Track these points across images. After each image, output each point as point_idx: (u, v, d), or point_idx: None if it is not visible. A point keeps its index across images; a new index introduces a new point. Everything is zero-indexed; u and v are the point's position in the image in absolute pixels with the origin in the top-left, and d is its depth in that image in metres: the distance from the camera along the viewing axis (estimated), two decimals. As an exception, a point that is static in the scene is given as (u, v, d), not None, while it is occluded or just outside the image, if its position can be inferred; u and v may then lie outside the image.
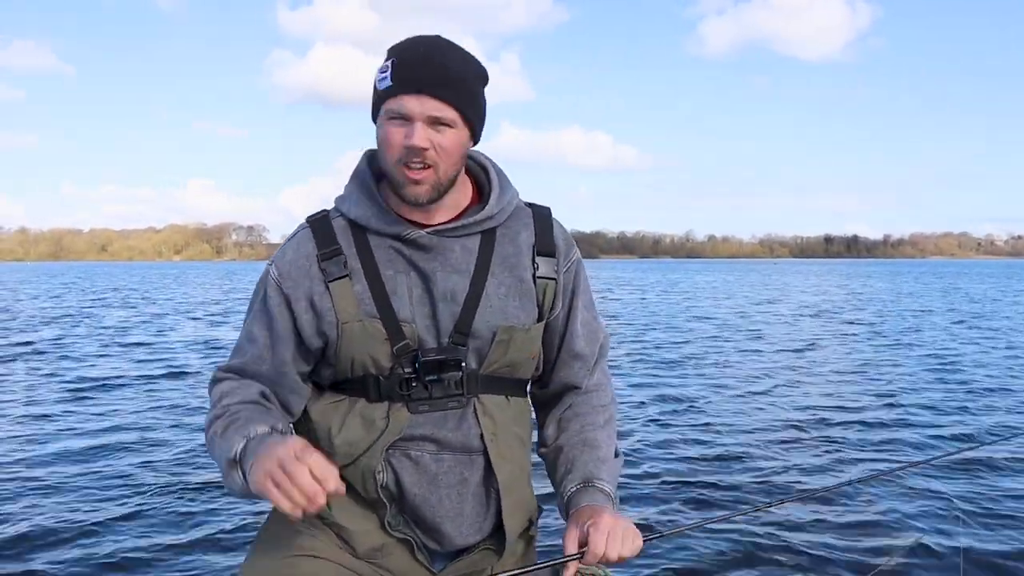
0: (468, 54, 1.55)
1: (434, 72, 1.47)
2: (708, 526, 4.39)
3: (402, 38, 1.54)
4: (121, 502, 5.08)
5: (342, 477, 1.48)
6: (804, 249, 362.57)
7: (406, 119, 1.48)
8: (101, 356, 12.85)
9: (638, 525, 1.52)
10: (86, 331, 17.38)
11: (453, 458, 1.59)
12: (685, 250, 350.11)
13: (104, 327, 18.38)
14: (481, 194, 1.67)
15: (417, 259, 1.57)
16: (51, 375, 10.72)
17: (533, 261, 1.64)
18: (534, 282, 1.64)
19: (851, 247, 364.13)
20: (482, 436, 1.60)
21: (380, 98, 1.50)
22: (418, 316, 1.57)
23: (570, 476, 1.63)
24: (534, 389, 1.76)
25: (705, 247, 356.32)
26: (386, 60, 1.50)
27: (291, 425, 1.64)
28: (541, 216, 1.69)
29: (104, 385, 9.82)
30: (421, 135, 1.47)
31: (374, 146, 1.58)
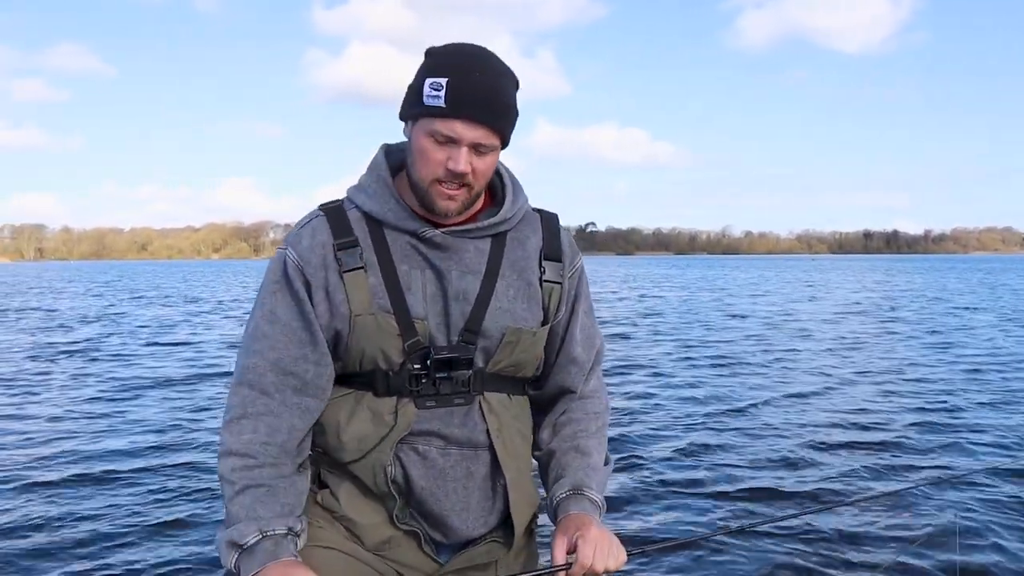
0: (510, 71, 1.57)
1: (488, 102, 1.49)
2: (702, 541, 4.28)
3: (447, 44, 1.56)
4: (138, 498, 5.05)
5: (351, 471, 1.62)
6: (842, 245, 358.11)
7: (451, 141, 1.50)
8: (141, 355, 12.91)
9: (621, 538, 1.59)
10: (127, 329, 17.57)
11: (460, 453, 1.62)
12: (721, 246, 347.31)
13: (144, 325, 18.55)
14: (493, 197, 1.70)
15: (432, 257, 1.60)
16: (94, 374, 10.78)
17: (540, 265, 1.68)
18: (540, 286, 1.68)
19: (891, 243, 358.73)
20: (488, 432, 1.63)
21: (425, 113, 1.50)
22: (431, 313, 1.59)
23: (560, 482, 1.67)
24: (530, 390, 1.78)
25: (742, 243, 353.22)
26: (435, 73, 1.50)
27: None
28: (549, 222, 1.73)
29: (154, 384, 9.82)
30: (465, 160, 1.50)
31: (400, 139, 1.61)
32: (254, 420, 1.56)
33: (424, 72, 1.52)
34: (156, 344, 14.49)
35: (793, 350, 12.81)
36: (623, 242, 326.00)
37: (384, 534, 1.65)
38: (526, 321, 1.65)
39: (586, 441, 1.72)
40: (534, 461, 1.78)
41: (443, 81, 1.48)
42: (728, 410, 7.90)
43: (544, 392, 1.78)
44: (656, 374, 10.36)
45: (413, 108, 1.54)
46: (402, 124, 1.61)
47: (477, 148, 1.52)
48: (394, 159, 1.66)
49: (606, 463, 1.75)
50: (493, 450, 1.65)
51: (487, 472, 1.65)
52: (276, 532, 1.50)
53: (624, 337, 15.01)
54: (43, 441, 6.81)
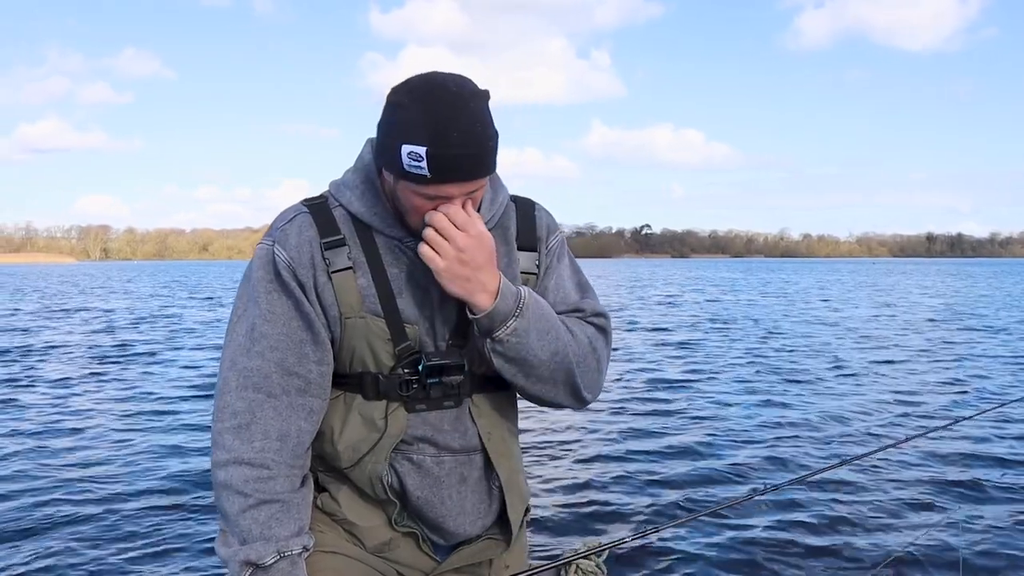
0: (488, 110, 1.48)
1: (473, 161, 1.44)
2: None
3: (411, 87, 1.45)
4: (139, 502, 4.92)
5: (347, 478, 1.63)
6: (904, 248, 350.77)
7: (443, 198, 1.47)
8: (197, 358, 12.88)
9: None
10: (183, 328, 17.71)
11: (454, 459, 1.61)
12: (779, 249, 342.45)
13: (200, 324, 18.68)
14: None
15: (419, 262, 1.54)
16: (161, 373, 10.78)
17: (516, 257, 1.66)
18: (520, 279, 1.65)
19: (955, 246, 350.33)
20: (479, 435, 1.63)
21: (409, 178, 1.44)
22: (420, 318, 1.57)
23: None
24: None
25: (800, 246, 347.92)
26: (411, 140, 1.41)
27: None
28: (524, 210, 1.70)
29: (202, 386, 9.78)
30: (459, 212, 1.48)
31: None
32: (264, 425, 1.52)
33: (397, 135, 1.44)
34: (209, 347, 14.44)
35: (878, 362, 11.89)
36: (679, 244, 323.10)
37: (384, 536, 1.65)
38: None
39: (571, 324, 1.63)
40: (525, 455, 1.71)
41: (422, 152, 1.41)
42: (798, 423, 7.44)
43: None
44: (739, 381, 9.92)
45: (393, 169, 1.47)
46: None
47: (469, 194, 1.49)
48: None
49: (567, 346, 1.59)
50: (485, 452, 1.64)
51: (480, 475, 1.65)
52: (293, 552, 1.50)
53: (692, 345, 14.55)
54: (91, 443, 6.67)
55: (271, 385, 1.53)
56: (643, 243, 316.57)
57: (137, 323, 19.59)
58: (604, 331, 1.70)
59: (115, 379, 10.52)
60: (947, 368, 11.21)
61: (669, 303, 26.59)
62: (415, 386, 1.57)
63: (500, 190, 1.67)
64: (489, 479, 1.66)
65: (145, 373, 10.99)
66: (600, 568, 1.75)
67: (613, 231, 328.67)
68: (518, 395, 1.73)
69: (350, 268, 1.55)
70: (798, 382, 9.93)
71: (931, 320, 19.31)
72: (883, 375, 10.54)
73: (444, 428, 1.60)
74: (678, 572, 4.02)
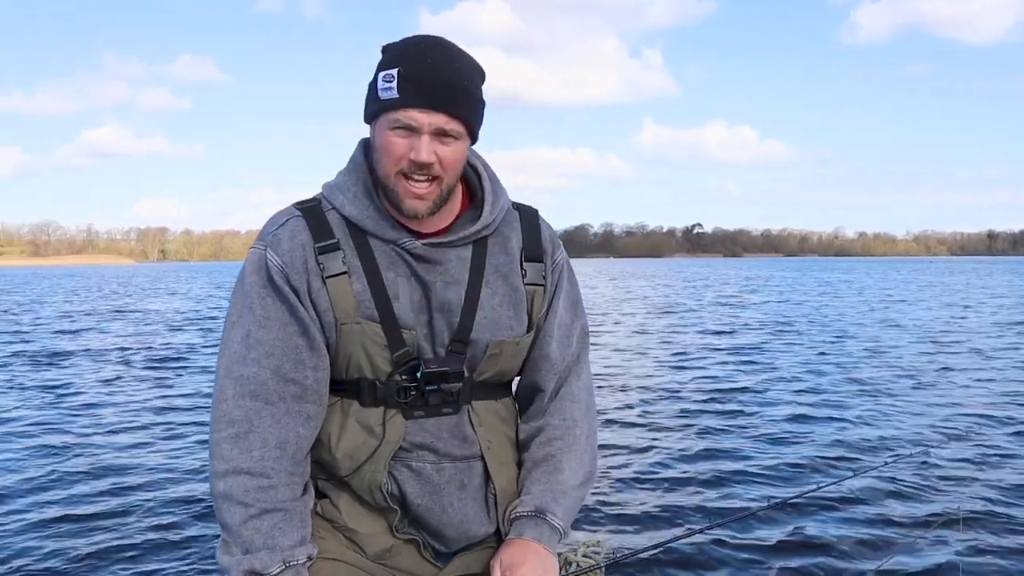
0: (471, 58, 1.52)
1: (443, 86, 1.45)
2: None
3: (403, 38, 1.51)
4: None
5: (347, 485, 1.61)
6: (964, 246, 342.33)
7: (411, 131, 1.46)
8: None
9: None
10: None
11: (454, 467, 1.60)
12: (833, 248, 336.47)
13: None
14: (472, 196, 1.65)
15: (417, 267, 1.54)
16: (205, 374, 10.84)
17: (522, 267, 1.63)
18: (524, 290, 1.63)
19: (1017, 244, 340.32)
20: (479, 443, 1.61)
21: (382, 107, 1.46)
22: (418, 323, 1.55)
23: (524, 499, 1.64)
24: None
25: (855, 245, 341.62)
26: (387, 66, 1.46)
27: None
28: (528, 219, 1.68)
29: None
30: (428, 149, 1.46)
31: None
32: (262, 433, 1.51)
33: (378, 68, 1.48)
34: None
35: (970, 370, 10.94)
36: (730, 243, 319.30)
37: (385, 543, 1.63)
38: (511, 329, 1.61)
39: (561, 456, 1.66)
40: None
41: (394, 72, 1.45)
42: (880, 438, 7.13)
43: (517, 389, 1.74)
44: (812, 390, 9.67)
45: (371, 106, 1.50)
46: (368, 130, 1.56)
47: (440, 136, 1.47)
48: (373, 157, 1.58)
49: (584, 480, 1.69)
50: (484, 460, 1.63)
51: (480, 482, 1.64)
52: (298, 562, 1.50)
53: (753, 349, 14.24)
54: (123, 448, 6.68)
55: (268, 392, 1.51)
56: (694, 242, 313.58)
57: (184, 325, 19.81)
58: (590, 405, 1.75)
59: (163, 379, 10.60)
60: None
61: (728, 304, 26.14)
62: (413, 393, 1.55)
63: (500, 195, 1.64)
64: (489, 487, 1.65)
65: (184, 373, 11.07)
66: (601, 568, 1.73)
67: (664, 230, 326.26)
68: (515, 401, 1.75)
69: (345, 273, 1.52)
70: (879, 391, 9.49)
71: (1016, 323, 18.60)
72: (981, 380, 10.08)
73: (443, 435, 1.59)
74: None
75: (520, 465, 1.70)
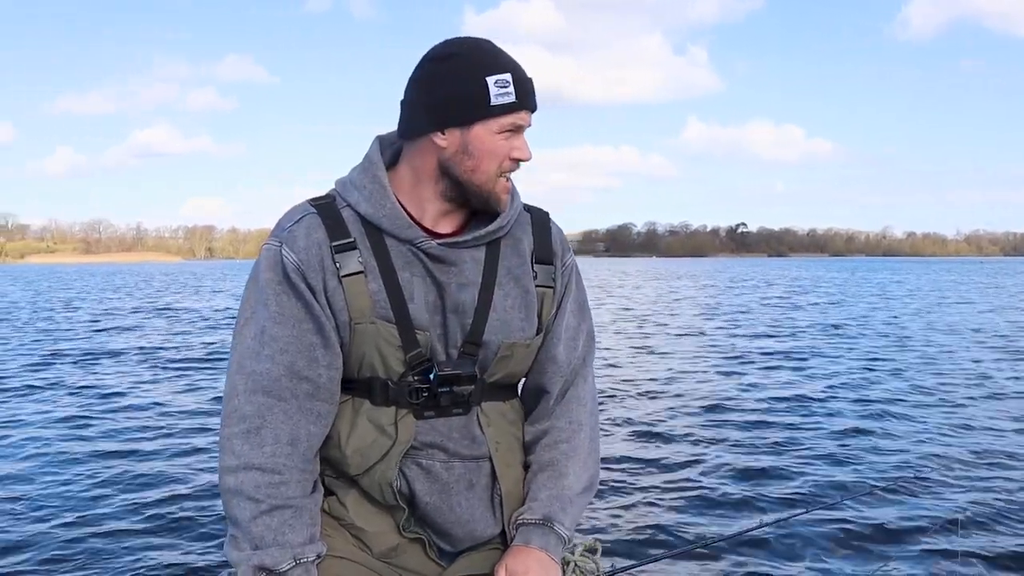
0: None
1: (534, 89, 1.54)
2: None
3: (460, 43, 1.54)
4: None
5: (355, 483, 1.61)
6: (1017, 246, 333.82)
7: (515, 132, 1.52)
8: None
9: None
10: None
11: (463, 466, 1.61)
12: (881, 248, 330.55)
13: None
14: None
15: (432, 268, 1.55)
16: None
17: (533, 269, 1.65)
18: (535, 291, 1.65)
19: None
20: (488, 444, 1.62)
21: (492, 112, 1.49)
22: (432, 324, 1.56)
23: (532, 506, 1.65)
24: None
25: (903, 245, 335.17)
26: (495, 72, 1.49)
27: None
28: (539, 221, 1.70)
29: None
30: (526, 145, 1.55)
31: (452, 145, 1.54)
32: (274, 429, 1.51)
33: (478, 72, 1.49)
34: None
35: None
36: (775, 243, 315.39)
37: (391, 542, 1.64)
38: (522, 331, 1.62)
39: (566, 460, 1.68)
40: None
41: (508, 78, 1.50)
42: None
43: (522, 391, 1.75)
44: (891, 399, 9.23)
45: (473, 112, 1.50)
46: (428, 134, 1.54)
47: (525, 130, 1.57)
48: (388, 154, 1.62)
49: (588, 485, 1.72)
50: (492, 460, 1.64)
51: (488, 482, 1.65)
52: (308, 559, 1.51)
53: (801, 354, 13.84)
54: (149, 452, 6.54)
55: (280, 389, 1.51)
56: (739, 242, 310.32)
57: (223, 324, 19.94)
58: (594, 409, 1.76)
59: (198, 379, 10.56)
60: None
61: (780, 306, 25.64)
62: (425, 394, 1.56)
63: (515, 196, 1.65)
64: (495, 488, 1.66)
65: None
66: (598, 568, 1.74)
67: (708, 229, 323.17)
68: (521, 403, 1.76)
69: (361, 272, 1.52)
70: (944, 401, 9.13)
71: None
72: None
73: (453, 435, 1.60)
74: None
75: (526, 467, 1.72)
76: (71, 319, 21.22)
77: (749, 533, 4.18)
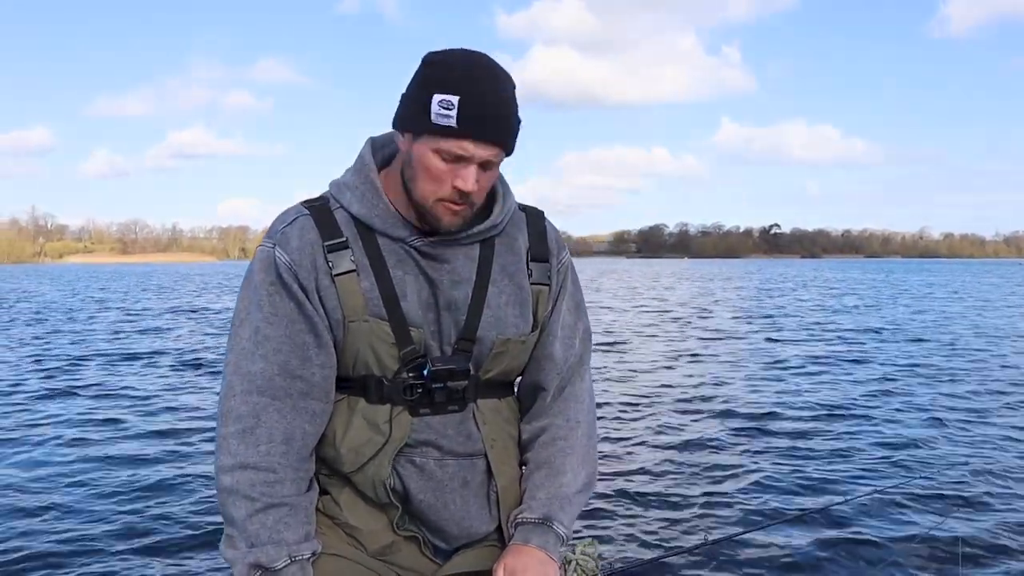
0: (511, 79, 1.52)
1: (499, 120, 1.47)
2: None
3: (448, 52, 1.50)
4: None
5: (349, 480, 1.62)
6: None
7: (461, 160, 1.47)
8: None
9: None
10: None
11: (457, 463, 1.61)
12: (917, 249, 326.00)
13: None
14: None
15: (424, 265, 1.56)
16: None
17: (528, 267, 1.66)
18: (530, 289, 1.65)
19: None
20: (483, 441, 1.63)
21: (433, 130, 1.45)
22: (425, 321, 1.56)
23: (530, 504, 1.65)
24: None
25: (940, 246, 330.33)
26: (444, 90, 1.44)
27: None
28: (534, 220, 1.71)
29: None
30: (473, 179, 1.48)
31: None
32: (269, 429, 1.52)
33: (431, 86, 1.46)
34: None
35: None
36: (809, 244, 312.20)
37: (385, 539, 1.64)
38: (517, 328, 1.63)
39: (563, 459, 1.68)
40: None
41: (454, 99, 1.44)
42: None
43: (519, 389, 1.76)
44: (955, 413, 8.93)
45: (417, 123, 1.48)
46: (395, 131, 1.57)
47: (484, 165, 1.49)
48: (380, 155, 1.63)
49: (586, 483, 1.71)
50: (488, 457, 1.64)
51: (483, 479, 1.65)
52: (303, 556, 1.51)
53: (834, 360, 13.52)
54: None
55: (274, 388, 1.52)
56: (772, 243, 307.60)
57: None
58: (591, 407, 1.77)
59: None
60: None
61: (819, 308, 25.23)
62: (419, 391, 1.56)
63: (509, 195, 1.66)
64: (491, 484, 1.66)
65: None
66: (598, 566, 1.77)
67: (741, 230, 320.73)
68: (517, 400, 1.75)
69: (353, 271, 1.53)
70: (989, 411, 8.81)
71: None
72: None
73: (448, 433, 1.60)
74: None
75: (522, 464, 1.72)
76: (105, 319, 21.38)
77: (750, 533, 4.28)
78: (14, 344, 15.32)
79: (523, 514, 1.65)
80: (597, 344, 14.06)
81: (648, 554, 4.27)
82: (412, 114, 1.48)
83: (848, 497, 4.97)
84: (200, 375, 10.99)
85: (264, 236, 1.59)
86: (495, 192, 1.63)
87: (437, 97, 1.44)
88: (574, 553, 1.77)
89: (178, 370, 11.53)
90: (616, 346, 14.43)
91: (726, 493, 5.45)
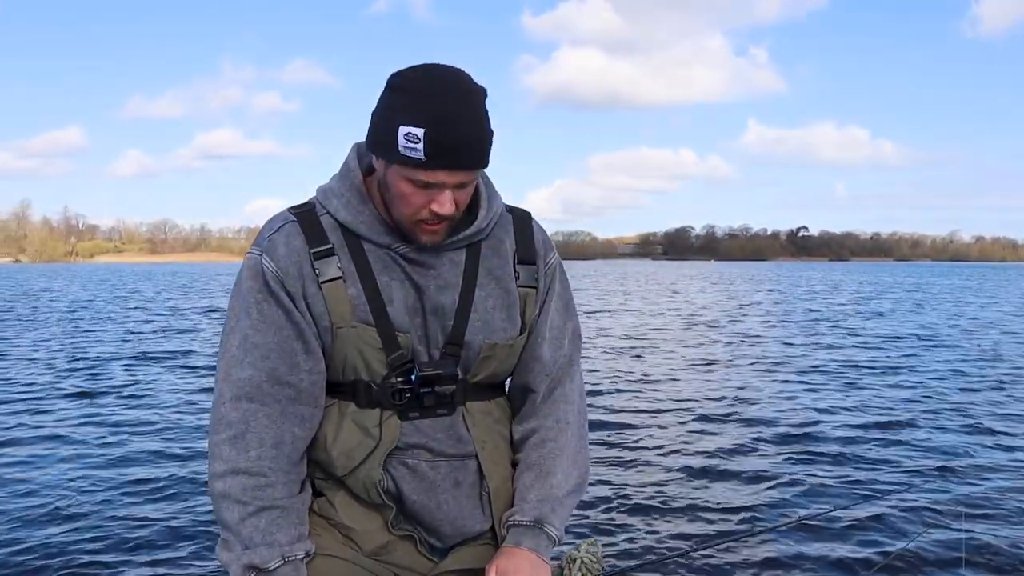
0: (482, 94, 1.50)
1: (469, 148, 1.46)
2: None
3: (413, 73, 1.46)
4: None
5: (344, 484, 1.65)
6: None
7: (434, 187, 1.48)
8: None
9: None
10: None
11: (448, 464, 1.63)
12: (948, 253, 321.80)
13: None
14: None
15: (410, 271, 1.58)
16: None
17: (515, 269, 1.67)
18: (517, 292, 1.67)
19: None
20: (474, 443, 1.65)
21: (402, 162, 1.46)
22: (412, 326, 1.58)
23: (522, 507, 1.67)
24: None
25: (971, 249, 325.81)
26: (409, 122, 1.43)
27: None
28: (521, 222, 1.72)
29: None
30: (450, 203, 1.49)
31: (363, 140, 1.61)
32: (259, 434, 1.54)
33: (395, 116, 1.45)
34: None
35: None
36: (837, 247, 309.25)
37: (381, 539, 1.66)
38: (505, 331, 1.64)
39: (553, 460, 1.70)
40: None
41: (419, 133, 1.42)
42: None
43: (509, 390, 1.77)
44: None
45: (386, 152, 1.48)
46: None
47: (460, 186, 1.50)
48: (366, 161, 1.62)
49: (577, 484, 1.72)
50: (479, 459, 1.66)
51: (474, 480, 1.67)
52: (296, 557, 1.54)
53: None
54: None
55: (263, 395, 1.55)
56: (799, 245, 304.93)
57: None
58: (581, 408, 1.77)
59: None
60: None
61: (857, 314, 24.94)
62: (408, 395, 1.59)
63: (495, 198, 1.66)
64: (483, 484, 1.68)
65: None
66: (602, 567, 1.76)
67: (768, 233, 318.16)
68: (508, 401, 1.76)
69: (340, 278, 1.55)
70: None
71: None
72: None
73: (438, 435, 1.62)
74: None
75: (514, 464, 1.74)
76: (134, 318, 21.57)
77: (756, 536, 4.28)
78: (44, 343, 15.49)
79: (515, 516, 1.67)
80: (622, 347, 13.98)
81: (652, 555, 4.26)
82: (381, 142, 1.49)
83: (851, 503, 4.94)
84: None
85: (252, 244, 1.61)
86: (479, 196, 1.64)
87: (403, 130, 1.43)
88: (579, 551, 1.77)
89: (197, 370, 11.60)
90: (640, 349, 14.34)
91: (739, 496, 5.41)
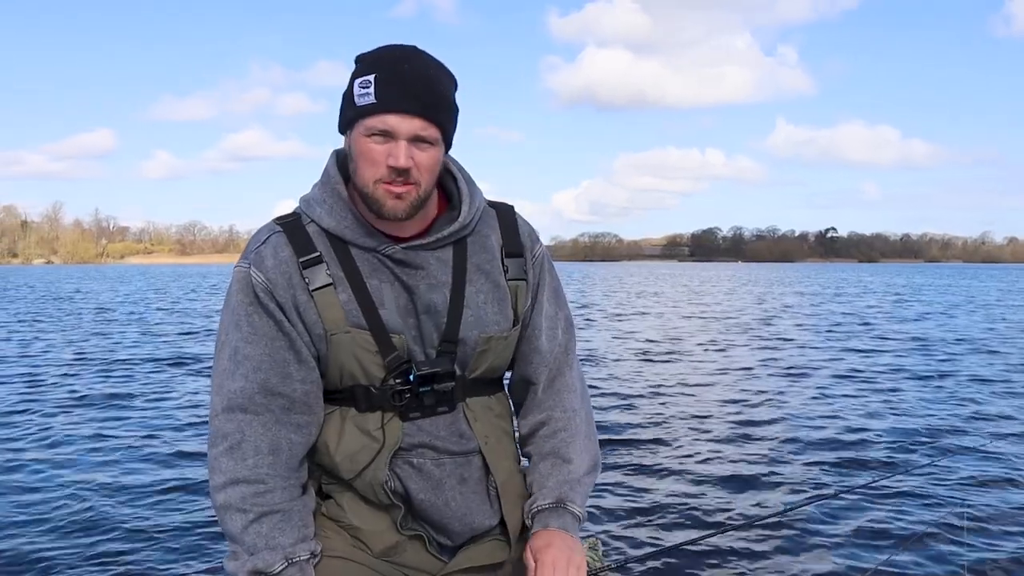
0: (443, 66, 1.57)
1: (418, 92, 1.49)
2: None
3: (375, 47, 1.55)
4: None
5: (351, 487, 1.66)
6: None
7: (388, 136, 1.50)
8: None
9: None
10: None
11: (453, 461, 1.65)
12: (980, 254, 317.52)
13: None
14: (448, 199, 1.69)
15: (399, 272, 1.59)
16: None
17: (503, 263, 1.68)
18: (507, 285, 1.68)
19: None
20: (476, 439, 1.66)
21: (359, 113, 1.51)
22: (406, 327, 1.59)
23: (543, 492, 1.69)
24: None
25: (1003, 251, 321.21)
26: (363, 73, 1.51)
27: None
28: (505, 216, 1.73)
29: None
30: (405, 154, 1.50)
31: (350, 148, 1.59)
32: (254, 442, 1.55)
33: (353, 77, 1.53)
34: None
35: None
36: (866, 248, 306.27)
37: (390, 540, 1.66)
38: (498, 325, 1.65)
39: (567, 447, 1.72)
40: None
41: (371, 78, 1.49)
42: None
43: (510, 385, 1.79)
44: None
45: (346, 114, 1.54)
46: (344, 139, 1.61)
47: (417, 142, 1.51)
48: (346, 167, 1.63)
49: (592, 466, 1.75)
50: (483, 454, 1.67)
51: (480, 475, 1.68)
52: (301, 558, 1.54)
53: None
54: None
55: (256, 405, 1.56)
56: (828, 247, 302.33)
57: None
58: (584, 392, 1.80)
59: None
60: None
61: (893, 318, 24.63)
62: (407, 396, 1.59)
63: (476, 193, 1.67)
64: (490, 480, 1.69)
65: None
66: (601, 562, 1.81)
67: (796, 234, 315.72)
68: (508, 394, 1.79)
69: (330, 284, 1.56)
70: None
71: None
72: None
73: (440, 433, 1.63)
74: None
75: (519, 458, 1.77)
76: (168, 319, 21.75)
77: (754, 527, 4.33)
78: (73, 342, 15.64)
79: (537, 502, 1.69)
80: (654, 352, 13.86)
81: (654, 549, 4.24)
82: (343, 109, 1.56)
83: (843, 489, 4.95)
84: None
85: (240, 256, 1.62)
86: (461, 192, 1.66)
87: (357, 81, 1.51)
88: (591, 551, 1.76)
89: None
90: (663, 354, 14.21)
91: (740, 496, 5.32)
